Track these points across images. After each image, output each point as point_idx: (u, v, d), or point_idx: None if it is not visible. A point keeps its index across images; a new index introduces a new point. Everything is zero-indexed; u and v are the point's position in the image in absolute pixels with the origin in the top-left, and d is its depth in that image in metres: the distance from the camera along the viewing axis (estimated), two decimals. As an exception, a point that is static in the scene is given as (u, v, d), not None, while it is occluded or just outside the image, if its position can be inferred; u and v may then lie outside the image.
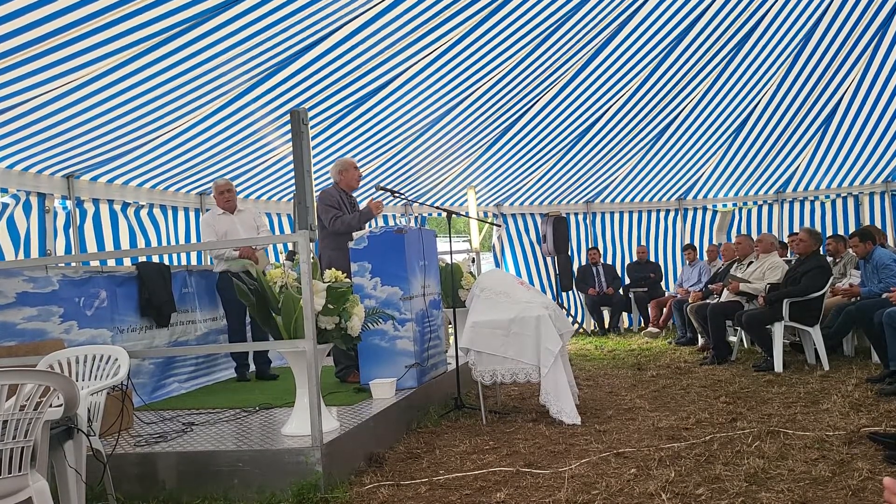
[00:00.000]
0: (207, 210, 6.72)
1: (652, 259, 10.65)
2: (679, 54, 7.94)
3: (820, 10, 7.58)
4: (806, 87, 8.61)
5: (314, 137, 6.64)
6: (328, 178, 7.70)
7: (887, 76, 8.29)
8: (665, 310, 9.50)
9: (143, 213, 6.56)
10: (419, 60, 6.62)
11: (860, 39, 7.93)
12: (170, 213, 6.84)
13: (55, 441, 2.78)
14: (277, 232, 8.17)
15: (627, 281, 10.45)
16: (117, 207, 6.26)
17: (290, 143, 5.03)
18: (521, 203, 10.61)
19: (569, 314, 10.36)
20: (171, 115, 5.63)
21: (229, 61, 5.31)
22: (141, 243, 6.44)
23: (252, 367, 6.20)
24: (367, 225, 5.53)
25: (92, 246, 6.02)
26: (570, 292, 10.54)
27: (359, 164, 6.03)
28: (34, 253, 5.41)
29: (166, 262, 6.33)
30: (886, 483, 1.10)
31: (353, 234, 5.26)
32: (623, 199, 10.86)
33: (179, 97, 5.44)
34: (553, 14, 6.71)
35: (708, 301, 7.74)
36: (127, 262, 5.91)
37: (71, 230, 5.78)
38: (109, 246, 6.18)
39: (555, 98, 8.22)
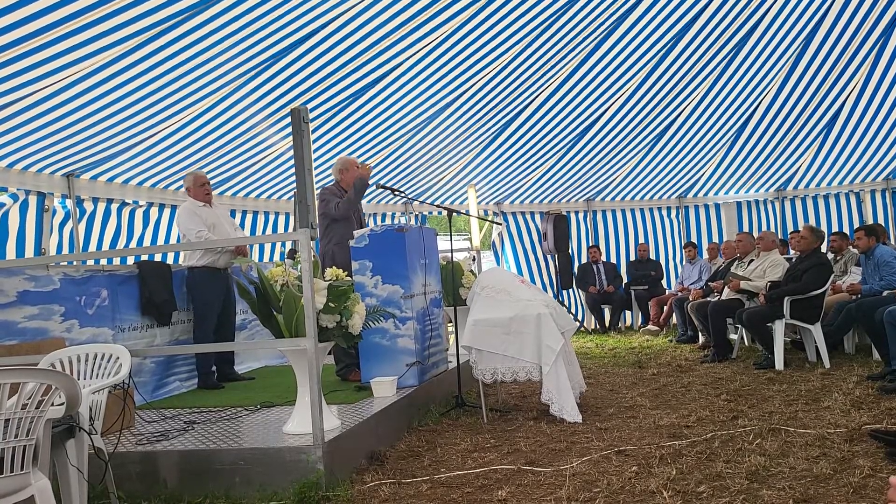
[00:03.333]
0: (173, 206, 6.40)
1: (652, 257, 10.65)
2: (681, 51, 7.91)
3: (823, 8, 7.56)
4: (811, 87, 8.58)
5: (311, 132, 6.62)
6: (327, 177, 7.73)
7: (892, 77, 8.26)
8: (666, 308, 9.51)
9: (143, 211, 6.55)
10: (414, 54, 6.59)
11: (866, 39, 7.90)
12: (168, 211, 6.81)
13: (57, 440, 2.78)
14: (269, 231, 8.17)
15: (628, 279, 10.45)
16: (117, 206, 6.25)
17: (288, 139, 5.01)
18: (522, 201, 10.61)
19: (569, 312, 10.36)
20: (168, 111, 5.61)
21: (226, 51, 5.27)
22: (138, 242, 6.43)
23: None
24: (370, 221, 5.53)
25: (92, 245, 6.01)
26: (571, 291, 10.53)
27: (358, 163, 6.01)
28: (29, 252, 5.38)
29: (167, 260, 6.32)
30: (893, 482, 1.10)
31: (354, 232, 5.27)
32: (624, 197, 10.85)
33: (177, 90, 5.42)
34: (551, 5, 6.69)
35: (708, 299, 7.74)
36: (130, 260, 5.91)
37: (71, 229, 5.78)
38: (110, 245, 6.18)
39: (555, 93, 8.20)
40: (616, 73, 8.11)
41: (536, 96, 8.19)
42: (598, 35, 7.45)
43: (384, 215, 9.65)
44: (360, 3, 5.58)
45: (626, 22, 7.36)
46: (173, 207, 6.86)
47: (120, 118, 5.36)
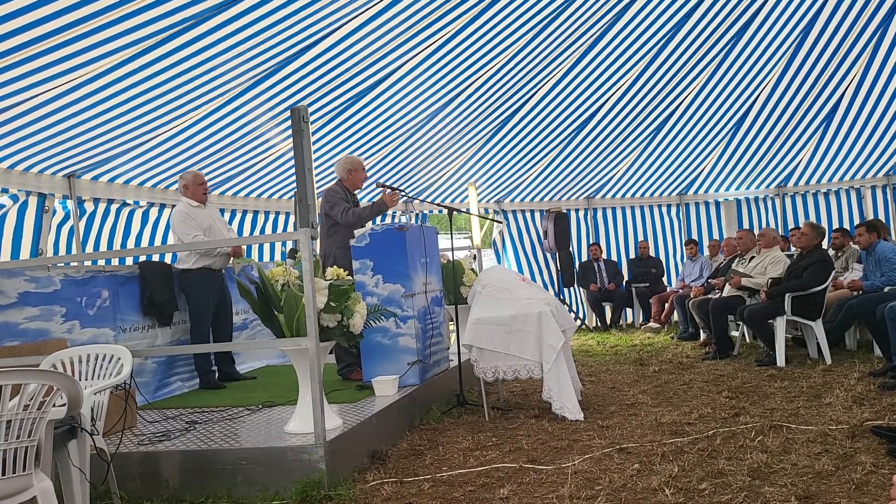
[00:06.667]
0: (173, 206, 5.93)
1: (653, 254, 10.65)
2: (676, 45, 7.91)
3: (819, 0, 7.56)
4: (808, 81, 8.58)
5: (313, 133, 6.63)
6: (328, 176, 7.73)
7: (890, 70, 8.25)
8: (667, 305, 9.51)
9: (144, 212, 6.55)
10: (415, 56, 6.60)
11: (862, 32, 7.90)
12: (168, 211, 6.79)
13: (59, 440, 2.78)
14: (269, 230, 8.17)
15: (629, 276, 10.45)
16: (117, 207, 6.24)
17: (289, 140, 5.00)
18: (522, 199, 10.60)
19: (570, 310, 10.36)
20: (171, 115, 5.61)
21: (230, 60, 5.29)
22: (139, 242, 6.43)
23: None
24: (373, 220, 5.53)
25: (93, 246, 6.01)
26: (572, 288, 10.54)
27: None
28: (25, 252, 5.35)
29: (168, 261, 6.33)
30: None
31: (355, 231, 5.27)
32: (624, 195, 10.85)
33: (180, 96, 5.43)
34: (548, 5, 6.69)
35: (710, 296, 7.74)
36: (130, 260, 5.90)
37: (70, 229, 5.77)
38: (111, 246, 6.18)
39: (551, 91, 8.20)
40: (611, 70, 8.12)
41: (533, 94, 8.19)
42: (594, 33, 7.46)
43: (385, 214, 9.62)
44: (362, 12, 5.58)
45: (623, 19, 7.36)
46: (174, 208, 6.85)
47: (122, 121, 5.35)
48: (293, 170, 5.24)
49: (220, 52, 5.15)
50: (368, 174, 8.19)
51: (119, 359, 3.51)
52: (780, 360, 6.18)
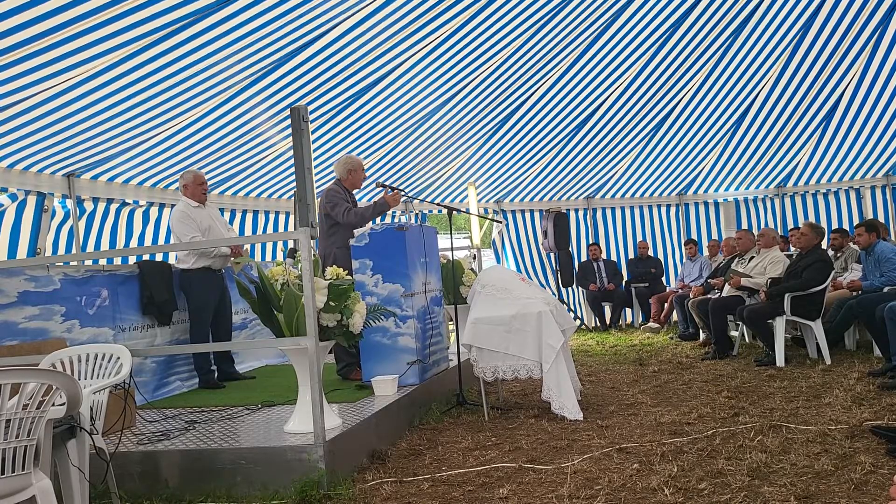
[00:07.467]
0: (173, 205, 5.96)
1: (652, 254, 10.65)
2: (675, 44, 7.91)
3: (817, -1, 7.59)
4: (807, 80, 8.59)
5: (312, 133, 6.62)
6: (328, 176, 7.72)
7: (889, 69, 8.26)
8: (666, 305, 9.51)
9: (144, 211, 6.55)
10: (414, 54, 6.60)
11: (861, 31, 7.90)
12: (167, 211, 6.79)
13: (58, 440, 2.78)
14: (269, 230, 8.18)
15: (628, 276, 10.45)
16: (117, 206, 6.24)
17: (289, 139, 4.99)
18: (522, 199, 10.61)
19: (570, 310, 10.36)
20: (170, 113, 5.61)
21: (228, 58, 5.30)
22: (139, 242, 6.43)
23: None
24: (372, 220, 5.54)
25: (92, 245, 6.01)
26: (572, 288, 10.54)
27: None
28: (22, 251, 5.34)
29: (168, 260, 6.32)
30: None
31: (355, 231, 5.27)
32: (623, 195, 10.86)
33: (179, 94, 5.43)
34: (546, 3, 6.70)
35: (709, 296, 7.74)
36: (130, 260, 5.90)
37: (70, 228, 5.77)
38: (110, 245, 6.17)
39: (551, 90, 8.21)
40: (610, 69, 8.13)
41: (533, 93, 8.20)
42: (592, 32, 7.46)
43: (384, 214, 9.62)
44: (359, 10, 5.58)
45: (619, 20, 7.37)
46: (173, 207, 6.84)
47: (121, 119, 5.35)
48: (293, 169, 5.24)
49: (218, 50, 5.15)
50: (368, 174, 8.21)
51: (118, 358, 3.51)
52: (780, 360, 6.18)
